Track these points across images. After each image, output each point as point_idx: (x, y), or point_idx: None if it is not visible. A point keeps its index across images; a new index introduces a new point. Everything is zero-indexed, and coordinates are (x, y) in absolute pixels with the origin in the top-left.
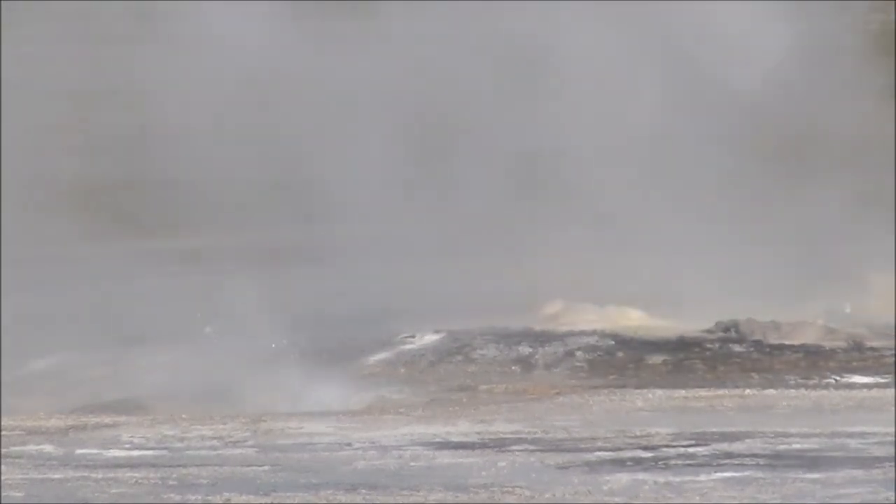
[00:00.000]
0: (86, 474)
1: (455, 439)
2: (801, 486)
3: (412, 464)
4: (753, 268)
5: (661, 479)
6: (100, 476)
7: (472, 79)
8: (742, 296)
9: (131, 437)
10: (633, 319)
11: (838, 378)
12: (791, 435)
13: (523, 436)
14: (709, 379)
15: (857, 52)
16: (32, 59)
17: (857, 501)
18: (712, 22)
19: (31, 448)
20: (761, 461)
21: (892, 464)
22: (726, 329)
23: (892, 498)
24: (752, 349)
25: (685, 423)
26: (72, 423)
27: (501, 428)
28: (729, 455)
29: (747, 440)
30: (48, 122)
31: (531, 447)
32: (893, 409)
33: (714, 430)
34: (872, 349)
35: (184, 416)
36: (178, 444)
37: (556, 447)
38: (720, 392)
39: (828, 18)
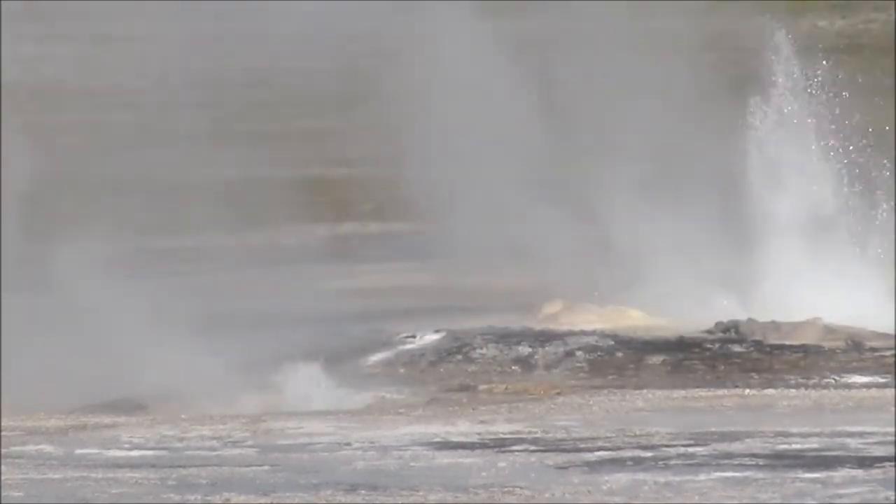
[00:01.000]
0: (85, 474)
1: (455, 439)
2: (801, 486)
3: (412, 464)
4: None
5: (661, 479)
6: (99, 476)
7: None
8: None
9: (131, 437)
10: (633, 319)
11: (838, 378)
12: (791, 435)
13: (523, 436)
14: (709, 379)
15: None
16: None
17: (857, 501)
18: None
19: (31, 448)
20: (761, 461)
21: (892, 464)
22: (726, 329)
23: (892, 498)
24: (752, 349)
25: (685, 423)
26: (72, 423)
27: (501, 428)
28: (729, 455)
29: (747, 440)
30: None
31: (531, 447)
32: (893, 409)
33: (714, 429)
34: (872, 349)
35: (183, 416)
36: (178, 445)
37: (556, 447)
38: (720, 392)
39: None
